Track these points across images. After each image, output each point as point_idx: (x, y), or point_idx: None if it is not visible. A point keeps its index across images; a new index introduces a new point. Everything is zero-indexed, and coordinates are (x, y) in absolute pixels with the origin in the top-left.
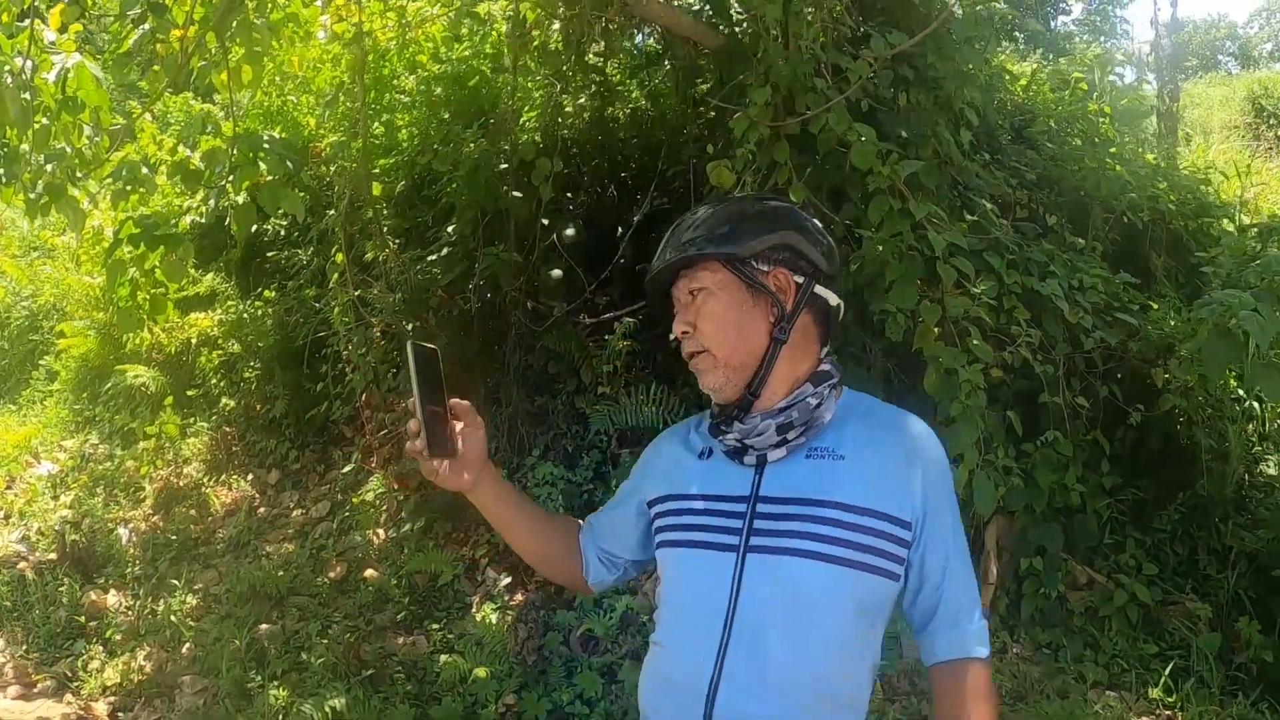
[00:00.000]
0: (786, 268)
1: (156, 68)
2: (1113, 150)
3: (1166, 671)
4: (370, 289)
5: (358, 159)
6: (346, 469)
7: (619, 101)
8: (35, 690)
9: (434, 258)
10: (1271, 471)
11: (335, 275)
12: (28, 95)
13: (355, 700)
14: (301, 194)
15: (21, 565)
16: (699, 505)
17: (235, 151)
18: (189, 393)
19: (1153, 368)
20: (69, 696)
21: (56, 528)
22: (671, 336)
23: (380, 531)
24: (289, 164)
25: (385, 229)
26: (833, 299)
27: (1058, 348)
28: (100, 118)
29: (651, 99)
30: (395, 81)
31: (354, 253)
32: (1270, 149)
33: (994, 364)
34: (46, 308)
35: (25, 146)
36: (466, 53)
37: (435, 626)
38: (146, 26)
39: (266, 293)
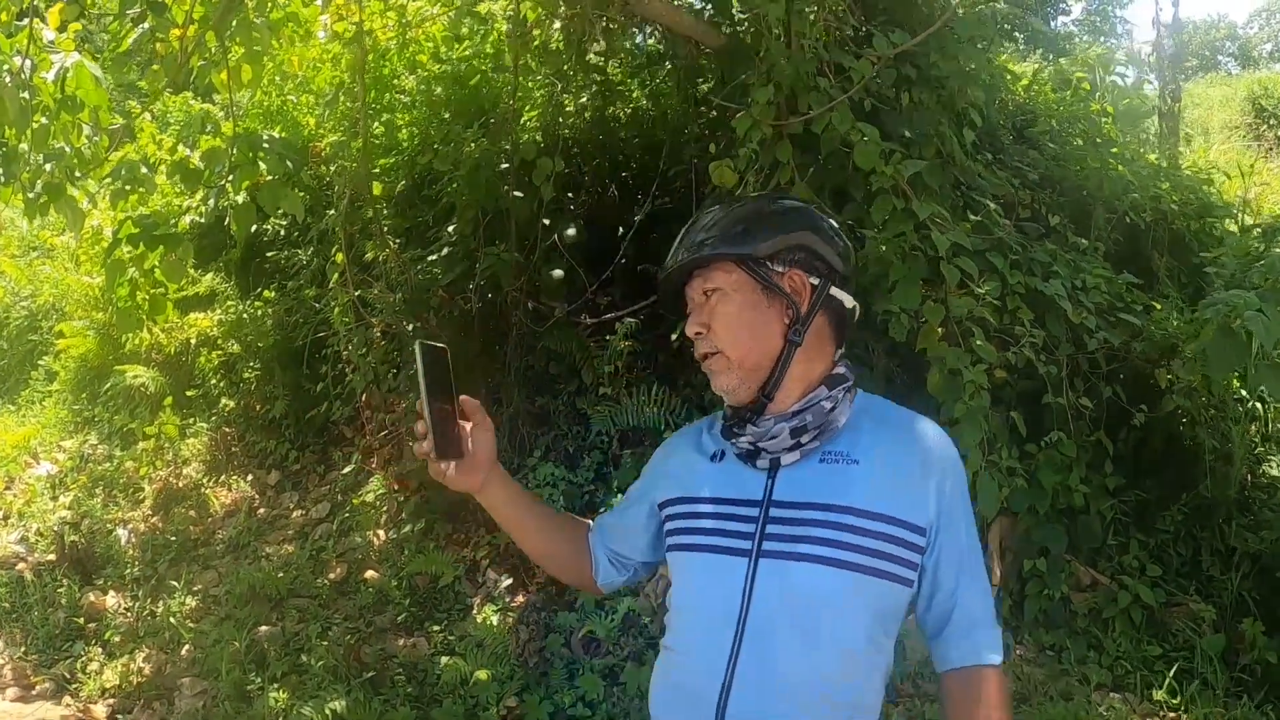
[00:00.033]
0: (802, 269)
1: (156, 67)
2: (1114, 150)
3: (1171, 673)
4: (370, 289)
5: (358, 158)
6: (346, 470)
7: (620, 101)
8: (34, 692)
9: (434, 257)
10: (1275, 472)
11: (335, 275)
12: (26, 94)
13: (356, 703)
14: (301, 194)
15: (20, 566)
16: (711, 509)
17: (235, 151)
18: (188, 393)
19: (1156, 368)
20: (67, 698)
21: (55, 528)
22: (674, 336)
23: (380, 533)
24: (289, 164)
25: (385, 229)
26: (848, 301)
27: (1061, 348)
28: (99, 117)
29: (653, 98)
30: (395, 81)
31: (354, 252)
32: (1270, 149)
33: (998, 365)
34: (45, 308)
35: (24, 146)
36: (467, 52)
37: (436, 628)
38: (146, 25)
39: (266, 293)
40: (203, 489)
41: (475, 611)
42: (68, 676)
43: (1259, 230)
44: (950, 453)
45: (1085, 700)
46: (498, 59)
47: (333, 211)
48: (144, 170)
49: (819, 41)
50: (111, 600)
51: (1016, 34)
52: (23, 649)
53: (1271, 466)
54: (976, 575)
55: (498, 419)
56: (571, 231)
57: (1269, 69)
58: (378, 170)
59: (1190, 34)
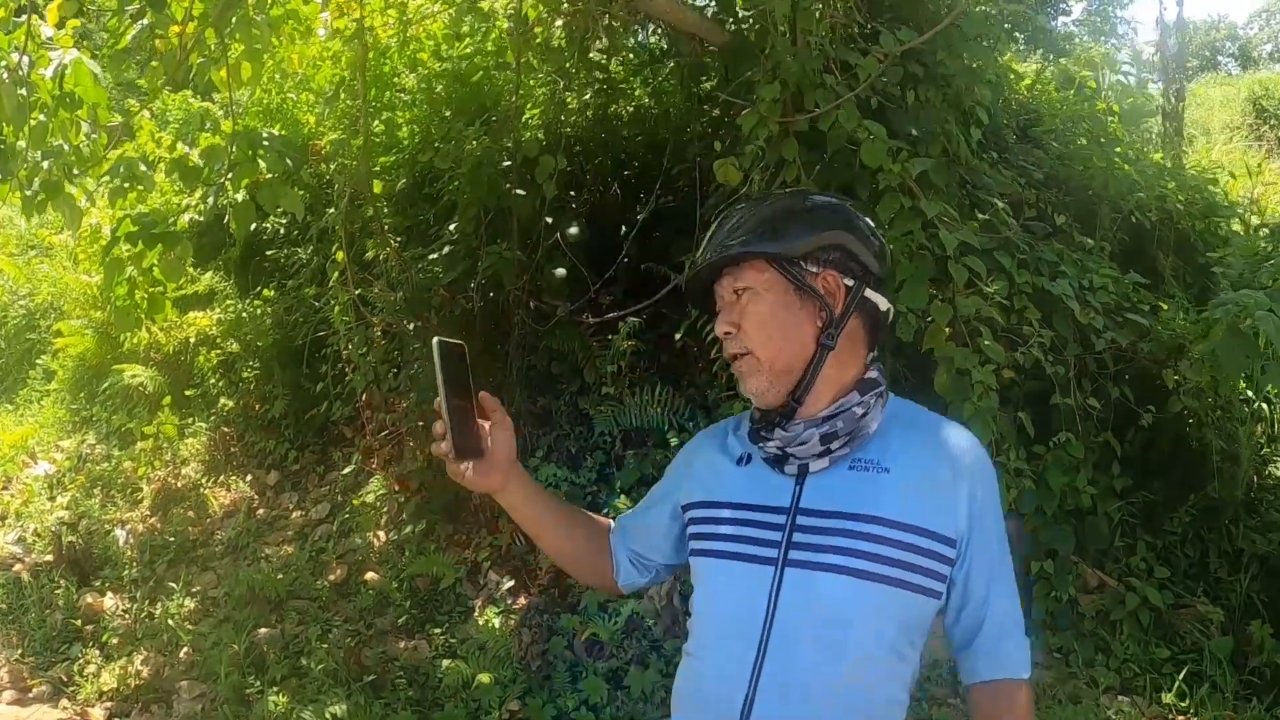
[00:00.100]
0: (836, 269)
1: (155, 64)
2: (1119, 150)
3: (1180, 676)
4: (371, 288)
5: (358, 156)
6: (346, 470)
7: (622, 99)
8: (30, 695)
9: (435, 256)
10: None
11: (335, 274)
12: (24, 91)
13: (356, 707)
14: (301, 192)
15: (17, 567)
16: (736, 514)
17: (234, 149)
18: (187, 393)
19: (1163, 369)
20: (65, 701)
21: (53, 529)
22: (678, 335)
23: (381, 534)
24: (288, 162)
25: (386, 227)
26: (883, 303)
27: (1068, 348)
28: (98, 114)
29: (655, 96)
30: (396, 79)
31: (354, 251)
32: (1271, 149)
33: (1005, 365)
34: (44, 306)
35: (22, 143)
36: (468, 50)
37: (437, 631)
38: (145, 22)
39: (266, 292)
40: (201, 489)
41: (477, 614)
42: (65, 679)
43: (1266, 230)
44: (983, 461)
45: (1094, 703)
46: (499, 56)
47: (333, 210)
48: (143, 168)
49: (825, 38)
50: (109, 602)
51: (1017, 34)
52: (20, 651)
53: (1278, 467)
54: (1006, 587)
55: None
56: (574, 230)
57: (1269, 69)
58: (378, 168)
59: (1190, 34)
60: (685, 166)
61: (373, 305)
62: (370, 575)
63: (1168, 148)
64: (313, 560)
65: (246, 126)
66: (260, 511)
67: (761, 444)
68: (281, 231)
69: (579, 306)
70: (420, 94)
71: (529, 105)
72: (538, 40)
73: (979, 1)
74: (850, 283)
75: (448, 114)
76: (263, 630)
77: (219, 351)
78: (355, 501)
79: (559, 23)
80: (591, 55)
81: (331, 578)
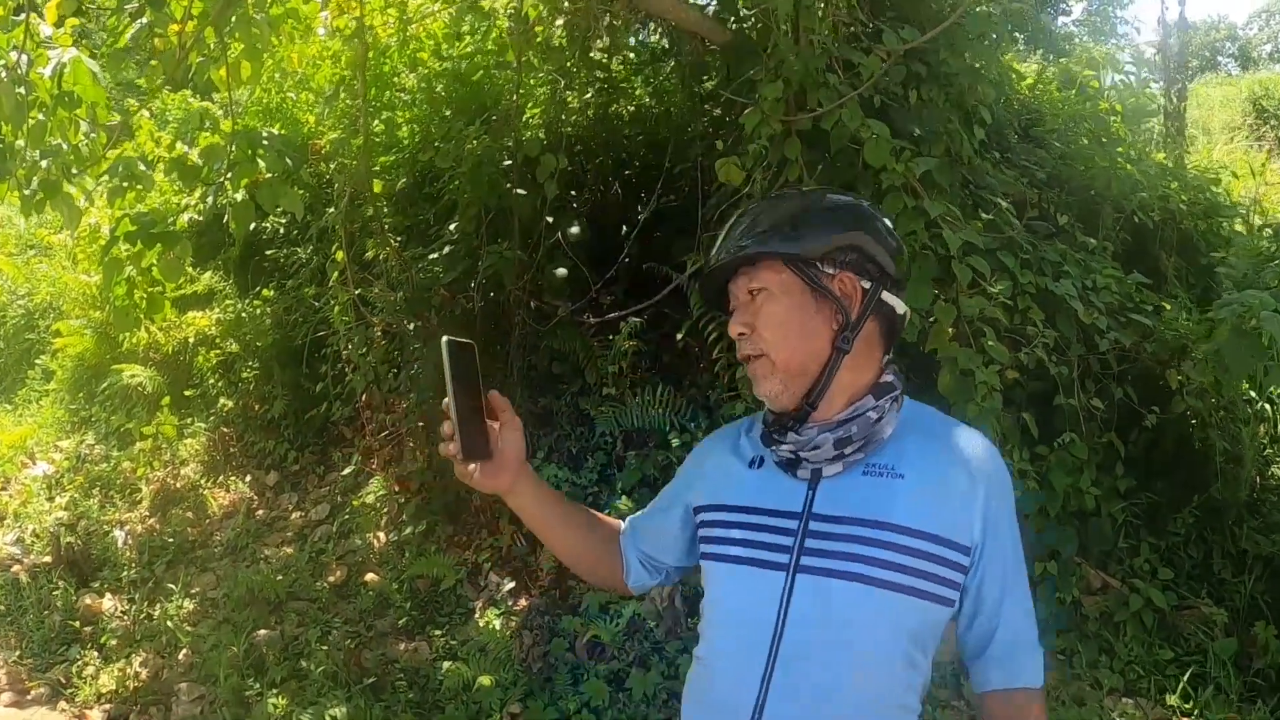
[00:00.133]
0: (853, 271)
1: (154, 63)
2: (1120, 150)
3: (1185, 678)
4: (371, 287)
5: (358, 156)
6: (346, 471)
7: (623, 98)
8: (29, 698)
9: (436, 256)
10: None
11: (335, 274)
12: (23, 90)
13: (356, 709)
14: (301, 191)
15: (16, 568)
16: (748, 518)
17: (234, 148)
18: (186, 393)
19: (1166, 369)
20: (63, 704)
21: (52, 530)
22: (679, 335)
23: (381, 535)
24: (288, 161)
25: (386, 226)
26: (900, 306)
27: (1072, 348)
28: (97, 114)
29: (656, 95)
30: (396, 78)
31: (354, 251)
32: (1272, 150)
33: (1009, 365)
34: (43, 306)
35: (20, 142)
36: (468, 49)
37: (438, 633)
38: (144, 21)
39: (265, 291)
40: (201, 490)
41: (477, 615)
42: (63, 681)
43: (1269, 231)
44: (999, 468)
45: (1098, 705)
46: (500, 55)
47: (333, 209)
48: (142, 167)
49: (828, 37)
50: (108, 603)
51: (1017, 34)
52: (18, 653)
53: None
54: (1020, 595)
55: None
56: (575, 229)
57: (1269, 70)
58: (378, 168)
59: (1190, 34)
60: (687, 166)
61: (373, 305)
62: (370, 576)
63: (1170, 148)
64: (312, 561)
65: (246, 126)
66: (260, 512)
67: (774, 447)
68: (281, 231)
69: (580, 306)
70: (420, 93)
71: (530, 104)
72: (538, 39)
73: (981, 1)
74: (867, 285)
75: (448, 113)
76: (262, 632)
77: (218, 351)
78: (355, 502)
79: (560, 22)
80: (592, 54)
81: (331, 579)
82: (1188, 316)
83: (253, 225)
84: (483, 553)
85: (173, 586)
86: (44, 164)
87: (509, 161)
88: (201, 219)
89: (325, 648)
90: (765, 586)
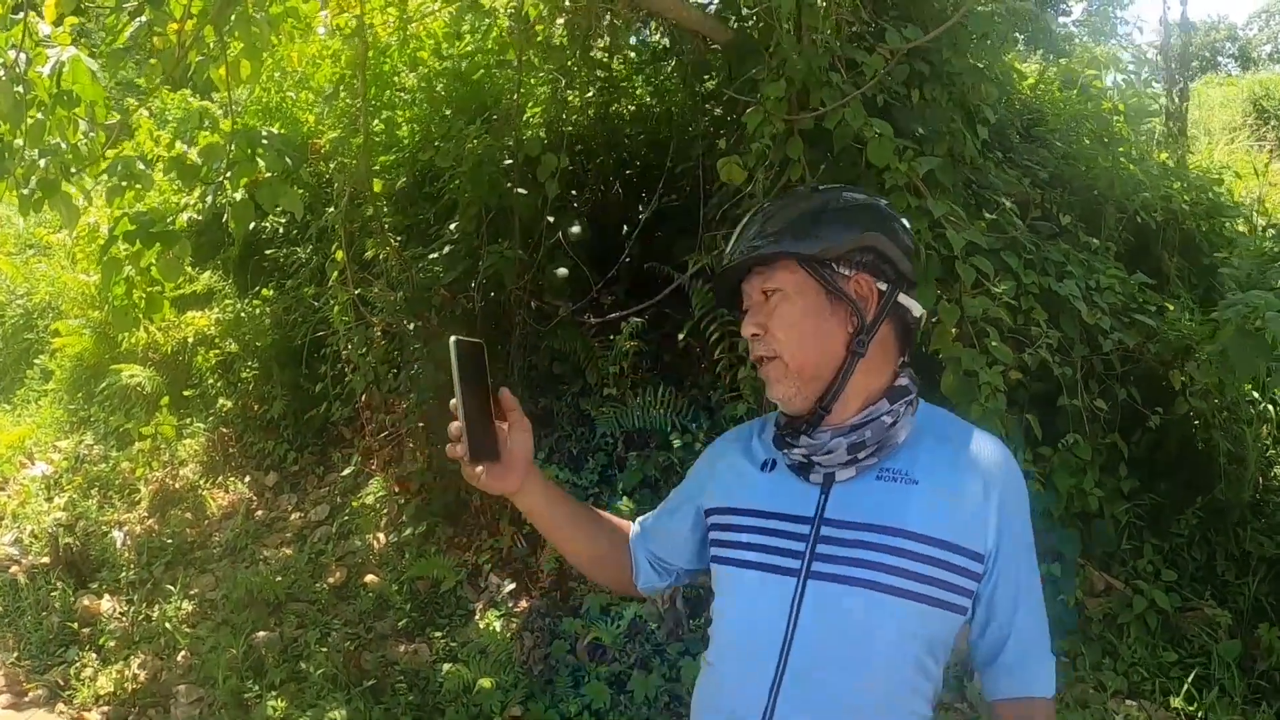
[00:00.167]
0: (870, 273)
1: (153, 62)
2: (1122, 149)
3: (1189, 680)
4: (371, 287)
5: (358, 155)
6: (346, 471)
7: (624, 97)
8: (26, 699)
9: (436, 255)
10: None
11: (335, 273)
12: (21, 89)
13: (356, 712)
14: (300, 191)
15: (14, 569)
16: (759, 522)
17: (233, 147)
18: (185, 393)
19: (1169, 370)
20: (61, 705)
21: (50, 530)
22: (680, 335)
23: (381, 536)
24: (288, 160)
25: (386, 226)
26: (916, 309)
27: (1075, 349)
28: (96, 113)
29: (657, 95)
30: (396, 78)
31: (354, 250)
32: (1273, 150)
33: (1013, 366)
34: (42, 306)
35: (19, 141)
36: (469, 48)
37: (438, 634)
38: (143, 19)
39: (265, 291)
40: (200, 491)
41: (478, 617)
42: (61, 683)
43: (1273, 231)
44: (1014, 475)
45: (1102, 707)
46: (500, 54)
47: (332, 209)
48: (141, 166)
49: (830, 36)
50: (106, 604)
51: (1017, 34)
52: (15, 654)
53: None
54: (1034, 603)
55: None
56: (576, 229)
57: (1269, 70)
58: (378, 167)
59: (1191, 35)
60: (688, 165)
61: (372, 305)
62: (370, 578)
63: (1172, 148)
64: (312, 563)
65: (245, 125)
66: (259, 513)
67: (787, 450)
68: (280, 231)
69: (581, 306)
70: (420, 92)
71: (530, 104)
72: (539, 38)
73: (984, 0)
74: (883, 287)
75: (448, 112)
76: (261, 633)
77: (217, 351)
78: (355, 503)
79: (560, 21)
80: (593, 53)
81: (331, 580)
82: (1190, 317)
83: (252, 225)
84: (483, 554)
85: (171, 588)
86: (42, 163)
87: (509, 161)
88: (201, 218)
89: (325, 650)
90: (775, 592)
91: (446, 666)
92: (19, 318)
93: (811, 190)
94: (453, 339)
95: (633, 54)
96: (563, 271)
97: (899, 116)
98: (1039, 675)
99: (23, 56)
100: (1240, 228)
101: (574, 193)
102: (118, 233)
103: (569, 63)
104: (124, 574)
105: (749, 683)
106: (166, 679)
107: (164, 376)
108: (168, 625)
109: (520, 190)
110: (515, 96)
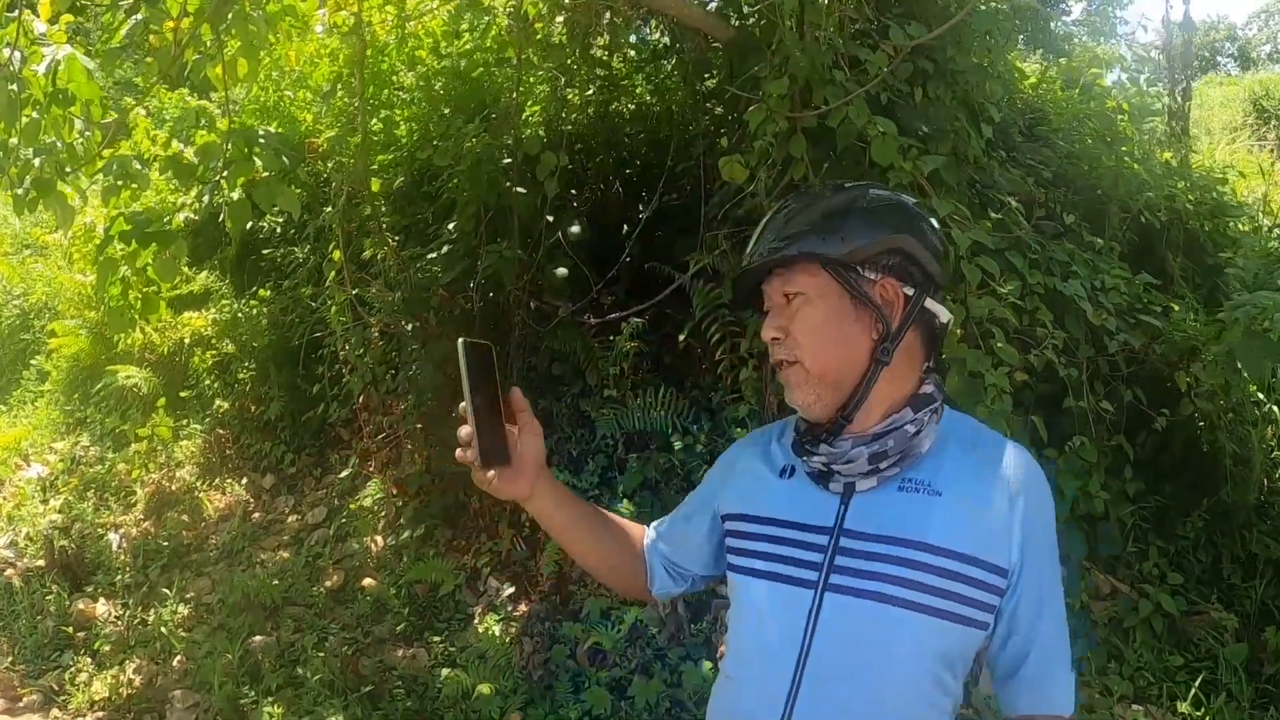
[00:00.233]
0: (896, 277)
1: (150, 60)
2: (1125, 149)
3: (1196, 684)
4: (369, 287)
5: (356, 154)
6: (344, 473)
7: (624, 96)
8: (21, 704)
9: (434, 255)
10: None
11: (332, 273)
12: (16, 87)
13: (353, 718)
14: (298, 190)
15: (9, 572)
16: (777, 531)
17: (230, 147)
18: (182, 394)
19: (1175, 371)
20: (56, 711)
21: (45, 533)
22: (681, 336)
23: (378, 538)
24: (285, 160)
25: (384, 226)
26: (943, 315)
27: (1081, 350)
28: (92, 111)
29: (658, 93)
30: (394, 76)
31: (352, 250)
32: (1274, 150)
33: (1019, 367)
34: (38, 306)
35: (14, 140)
36: (467, 46)
37: (436, 639)
38: (139, 18)
39: (262, 291)
40: (196, 493)
41: (477, 621)
42: (56, 688)
43: (1279, 230)
44: (1040, 484)
45: (1108, 712)
46: (499, 53)
47: (330, 208)
48: (137, 166)
49: (833, 33)
50: (102, 608)
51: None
52: (10, 659)
53: None
54: (1056, 618)
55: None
56: (575, 229)
57: (1269, 70)
58: (376, 166)
59: (1191, 35)
60: (689, 164)
61: (370, 305)
62: (368, 581)
63: (1175, 147)
64: (309, 566)
65: (242, 124)
66: (256, 515)
67: (806, 458)
68: (278, 230)
69: (580, 307)
70: (419, 91)
71: (529, 102)
72: (538, 36)
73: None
74: (910, 291)
75: (447, 111)
76: (258, 638)
77: (214, 352)
78: (352, 505)
79: (560, 18)
80: (593, 51)
81: (328, 584)
82: (1195, 318)
83: (249, 224)
84: (482, 557)
85: (167, 591)
86: (37, 162)
87: (508, 160)
88: (197, 218)
89: (322, 654)
90: (792, 604)
91: (445, 672)
92: (15, 318)
93: (836, 187)
94: (461, 340)
95: (633, 52)
96: (562, 271)
97: (903, 115)
98: (1059, 691)
99: (18, 54)
100: (1244, 227)
101: (574, 192)
102: (114, 232)
103: (568, 61)
104: (119, 577)
105: (765, 692)
106: (162, 684)
107: (160, 377)
108: (163, 629)
109: (519, 189)
110: (514, 95)
